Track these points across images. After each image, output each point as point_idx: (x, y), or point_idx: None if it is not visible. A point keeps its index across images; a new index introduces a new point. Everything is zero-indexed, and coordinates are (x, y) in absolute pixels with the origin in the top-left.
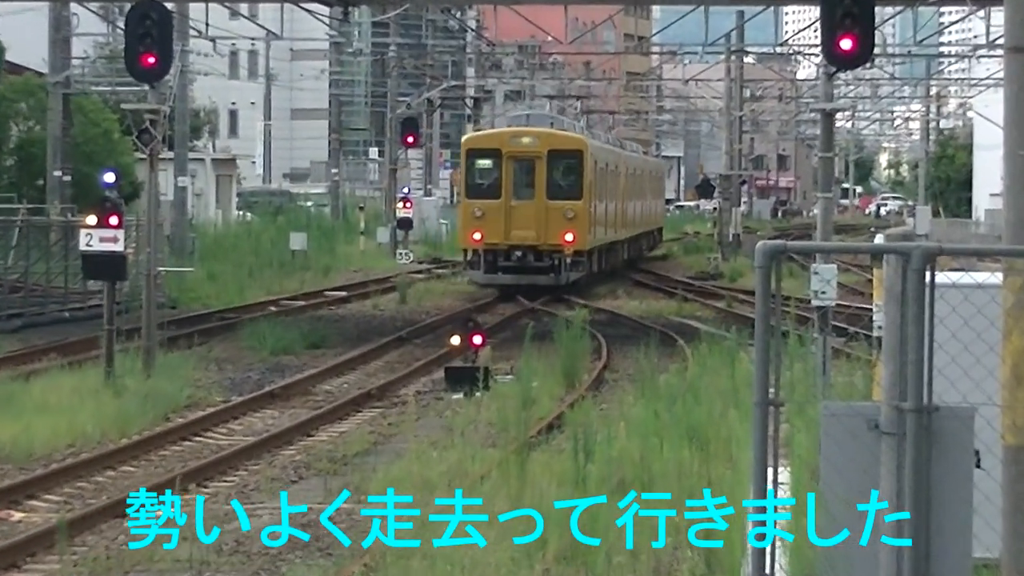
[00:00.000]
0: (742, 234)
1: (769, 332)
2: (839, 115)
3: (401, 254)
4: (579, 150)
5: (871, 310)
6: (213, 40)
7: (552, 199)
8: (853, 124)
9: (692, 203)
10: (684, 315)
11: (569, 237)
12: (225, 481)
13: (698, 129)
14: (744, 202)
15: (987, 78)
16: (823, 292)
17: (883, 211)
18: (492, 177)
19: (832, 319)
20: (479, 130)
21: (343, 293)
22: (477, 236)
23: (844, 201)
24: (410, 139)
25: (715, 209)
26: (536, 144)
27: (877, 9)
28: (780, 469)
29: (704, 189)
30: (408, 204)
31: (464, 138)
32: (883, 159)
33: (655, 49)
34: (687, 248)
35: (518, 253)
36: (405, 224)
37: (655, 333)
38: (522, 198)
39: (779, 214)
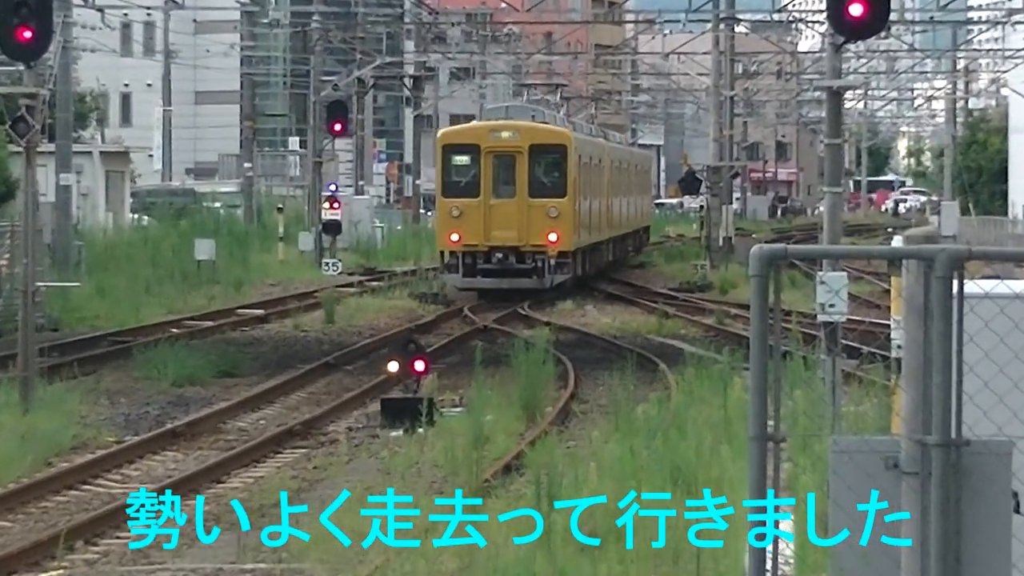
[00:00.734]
0: (734, 237)
1: (767, 353)
2: (849, 94)
3: (328, 264)
4: (563, 144)
5: (888, 326)
6: (101, 10)
7: (535, 197)
8: (866, 104)
9: (674, 200)
10: (666, 334)
11: (553, 237)
12: (119, 538)
13: (681, 112)
14: (736, 199)
15: None
16: (831, 305)
17: (902, 208)
18: (470, 174)
19: (842, 337)
20: (419, 115)
21: (259, 311)
22: (455, 237)
23: (856, 196)
24: (337, 127)
25: (701, 208)
26: (517, 138)
27: None
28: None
29: (689, 184)
30: (336, 205)
31: (439, 133)
32: (902, 146)
33: (629, 17)
34: (669, 254)
35: (499, 255)
36: (332, 228)
37: (631, 356)
38: (502, 196)
39: (779, 213)
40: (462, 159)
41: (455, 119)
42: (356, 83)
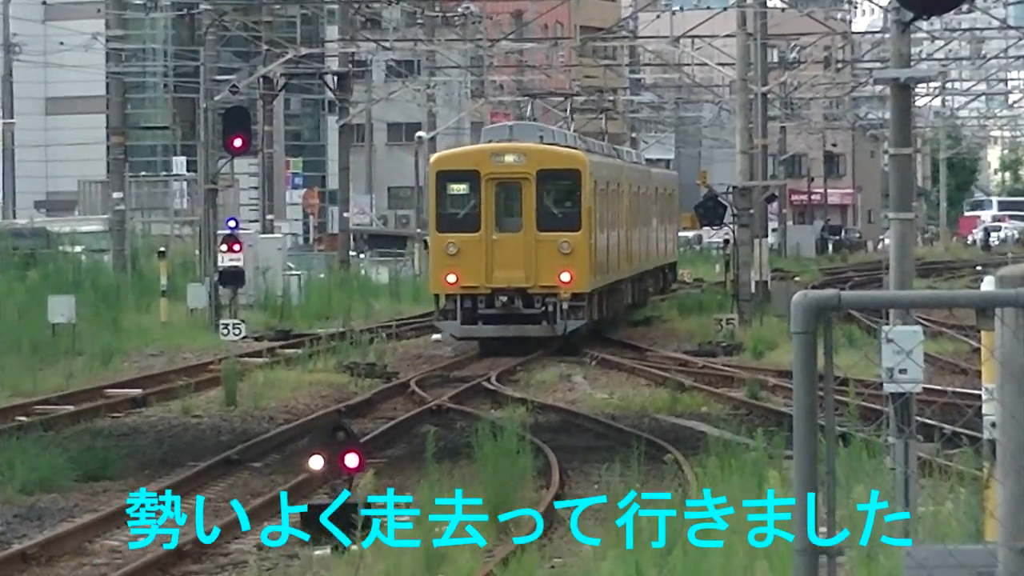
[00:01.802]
0: (771, 282)
1: (816, 436)
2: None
3: (227, 327)
4: (576, 169)
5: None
6: None
7: (544, 230)
8: (944, 102)
9: (690, 233)
10: (681, 412)
11: (566, 277)
12: None
13: (697, 115)
14: (773, 230)
15: None
16: (901, 370)
17: (994, 238)
18: (469, 205)
19: (917, 413)
20: (347, 124)
21: (136, 391)
22: (451, 278)
23: (932, 224)
24: (237, 142)
25: (726, 243)
26: (523, 163)
27: None
28: None
29: (708, 211)
30: (236, 247)
31: (433, 158)
32: (993, 156)
33: None
34: (684, 305)
35: (503, 298)
36: (232, 278)
37: (636, 442)
38: (506, 230)
39: (829, 247)
40: (459, 187)
41: (394, 129)
42: (261, 83)
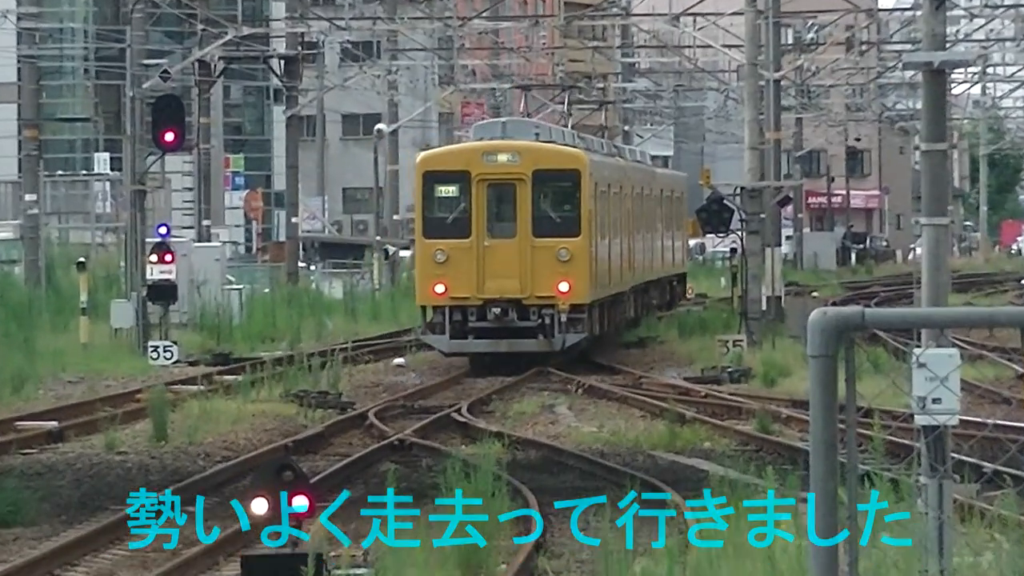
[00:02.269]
0: (785, 297)
1: (836, 475)
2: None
3: (157, 349)
4: (575, 169)
5: None
6: None
7: (540, 236)
8: (984, 90)
9: (692, 241)
10: (681, 448)
11: (564, 287)
12: None
13: (700, 106)
14: (787, 238)
15: None
16: (935, 400)
17: None
18: (458, 208)
19: (954, 449)
20: (296, 116)
21: (51, 424)
22: (439, 289)
23: (970, 230)
24: (169, 136)
25: (733, 252)
26: (517, 163)
27: None
28: None
29: (712, 216)
30: (168, 257)
31: (419, 157)
32: None
33: None
34: (684, 324)
35: (495, 310)
36: (163, 294)
37: (629, 482)
38: (500, 236)
39: (852, 258)
40: (448, 189)
41: (350, 121)
42: (197, 68)
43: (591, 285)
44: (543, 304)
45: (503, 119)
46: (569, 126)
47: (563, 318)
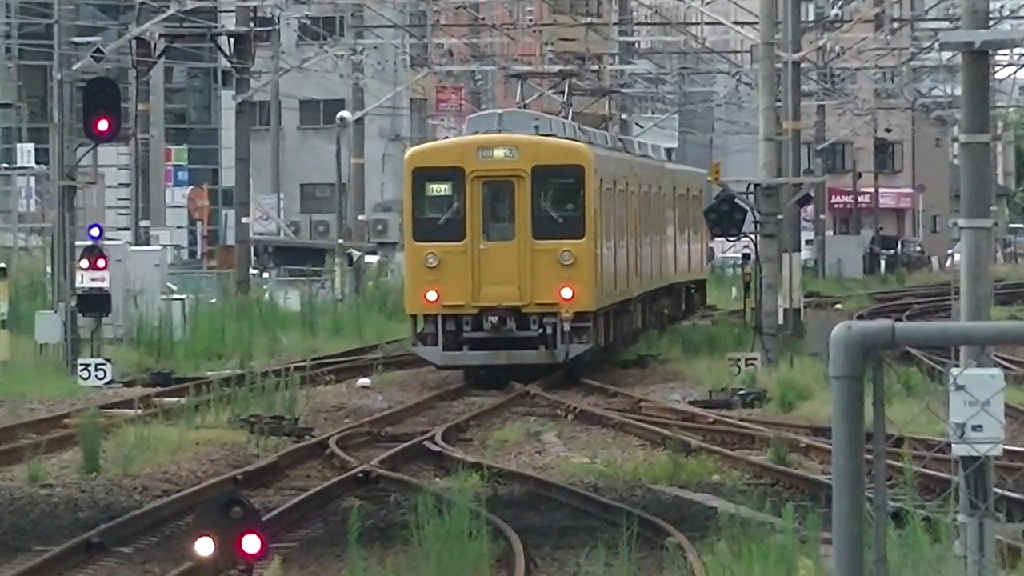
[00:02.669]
0: (805, 309)
1: (862, 513)
2: (1001, 56)
3: (88, 368)
4: (579, 165)
5: None
6: None
7: (541, 238)
8: None
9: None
10: (686, 482)
11: (567, 293)
12: None
13: (709, 92)
14: (808, 242)
15: None
16: (976, 427)
17: None
18: (451, 209)
19: (997, 483)
20: (247, 102)
21: None
22: (432, 296)
23: (1017, 234)
24: (103, 124)
25: (746, 258)
26: (515, 158)
27: None
28: None
29: (722, 217)
30: (101, 262)
31: (408, 153)
32: None
33: None
34: (690, 340)
35: (493, 319)
36: (96, 304)
37: (627, 521)
38: (496, 238)
39: (881, 265)
40: (440, 188)
41: (309, 108)
42: (135, 47)
43: (596, 291)
44: (544, 312)
45: (499, 111)
46: (570, 117)
47: (566, 327)
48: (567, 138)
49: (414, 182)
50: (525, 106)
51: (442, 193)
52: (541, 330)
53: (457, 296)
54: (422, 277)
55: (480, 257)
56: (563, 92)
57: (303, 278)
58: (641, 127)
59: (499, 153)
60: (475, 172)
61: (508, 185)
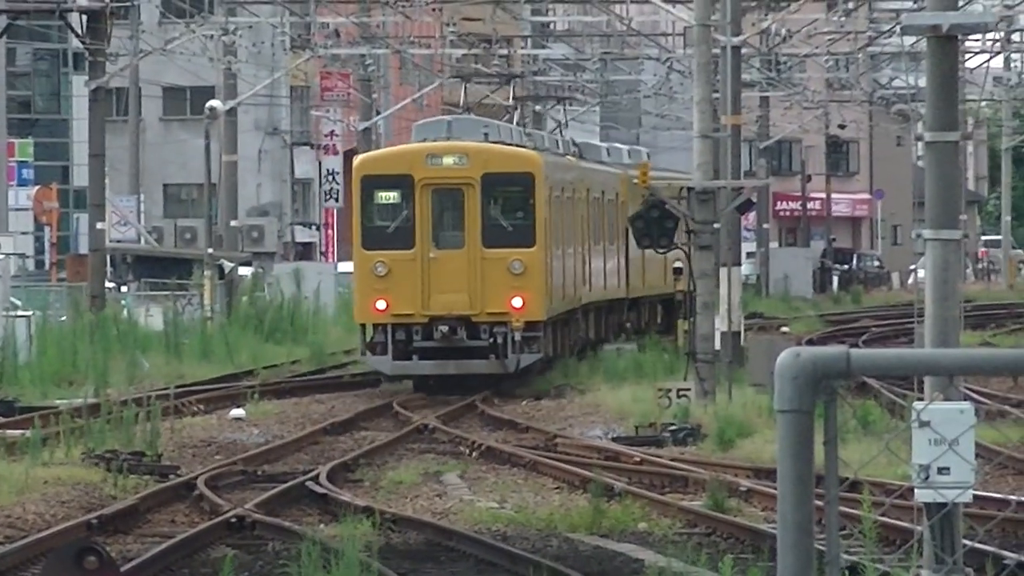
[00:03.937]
0: (746, 333)
1: (812, 568)
2: (972, 42)
3: None
4: (529, 172)
5: None
6: None
7: (491, 247)
8: (1009, 63)
9: None
10: (609, 530)
11: (517, 302)
12: None
13: (636, 81)
14: (749, 255)
15: None
16: (942, 469)
17: None
18: (400, 217)
19: (967, 534)
20: (102, 88)
21: None
22: (381, 305)
23: (990, 246)
24: None
25: (677, 273)
26: (465, 165)
27: None
28: None
29: (651, 225)
30: None
31: (357, 160)
32: None
33: None
34: (613, 368)
35: (443, 328)
36: None
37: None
38: (446, 246)
39: (834, 281)
40: (389, 196)
41: (174, 96)
42: None
43: (547, 300)
44: (495, 321)
45: (448, 117)
46: (515, 122)
47: (517, 337)
48: (517, 145)
49: (362, 190)
50: (468, 110)
51: (391, 201)
52: (492, 340)
53: (407, 305)
54: (371, 286)
55: (430, 266)
56: (509, 97)
57: (167, 293)
58: (556, 120)
59: (448, 160)
60: (424, 180)
61: (458, 193)
